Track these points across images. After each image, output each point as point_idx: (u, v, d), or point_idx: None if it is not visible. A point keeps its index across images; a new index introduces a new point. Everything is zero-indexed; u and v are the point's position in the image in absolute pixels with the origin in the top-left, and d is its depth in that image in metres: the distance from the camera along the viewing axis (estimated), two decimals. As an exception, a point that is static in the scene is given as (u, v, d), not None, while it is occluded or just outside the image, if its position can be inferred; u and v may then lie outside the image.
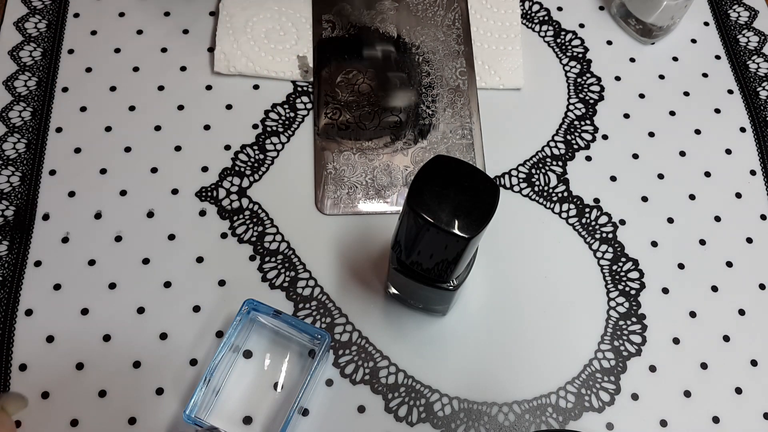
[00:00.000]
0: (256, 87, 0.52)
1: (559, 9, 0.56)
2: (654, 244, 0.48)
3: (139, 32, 0.53)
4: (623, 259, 0.48)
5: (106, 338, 0.44)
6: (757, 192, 0.50)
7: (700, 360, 0.45)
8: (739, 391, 0.44)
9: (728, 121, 0.53)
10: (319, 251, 0.47)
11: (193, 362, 0.43)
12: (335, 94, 0.51)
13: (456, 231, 0.33)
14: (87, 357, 0.43)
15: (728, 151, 0.52)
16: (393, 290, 0.44)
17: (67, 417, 0.42)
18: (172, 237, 0.47)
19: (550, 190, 0.49)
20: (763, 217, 0.50)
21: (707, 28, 0.56)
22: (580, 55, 0.54)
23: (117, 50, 0.53)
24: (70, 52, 0.52)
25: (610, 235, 0.48)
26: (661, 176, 0.50)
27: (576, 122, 0.52)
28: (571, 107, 0.52)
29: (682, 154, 0.51)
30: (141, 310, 0.44)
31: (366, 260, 0.46)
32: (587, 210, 0.49)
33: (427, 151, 0.50)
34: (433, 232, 0.34)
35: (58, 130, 0.50)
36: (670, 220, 0.49)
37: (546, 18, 0.56)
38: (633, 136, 0.52)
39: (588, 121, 0.52)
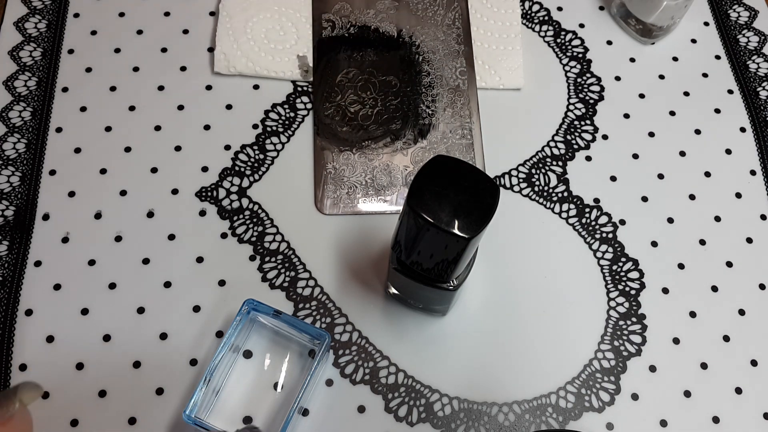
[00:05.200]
0: (256, 87, 0.52)
1: (559, 9, 0.56)
2: (654, 244, 0.48)
3: (139, 32, 0.53)
4: (623, 259, 0.48)
5: (106, 338, 0.44)
6: (757, 192, 0.50)
7: (700, 360, 0.45)
8: (739, 391, 0.44)
9: (728, 121, 0.53)
10: (319, 251, 0.47)
11: (193, 362, 0.43)
12: (335, 93, 0.51)
13: (456, 231, 0.33)
14: (87, 357, 0.43)
15: (728, 151, 0.52)
16: (393, 290, 0.44)
17: (67, 417, 0.42)
18: (172, 237, 0.47)
19: (550, 190, 0.49)
20: (763, 217, 0.50)
21: (707, 28, 0.56)
22: (580, 55, 0.54)
23: (117, 50, 0.53)
24: (70, 52, 0.52)
25: (610, 235, 0.48)
26: (661, 176, 0.50)
27: (576, 122, 0.52)
28: (571, 107, 0.52)
29: (682, 154, 0.51)
30: (141, 310, 0.45)
31: (366, 260, 0.46)
32: (587, 210, 0.49)
33: (427, 151, 0.50)
34: (433, 232, 0.34)
35: (58, 130, 0.50)
36: (670, 220, 0.49)
37: (546, 18, 0.56)
38: (633, 136, 0.52)
39: (588, 121, 0.52)
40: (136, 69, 0.52)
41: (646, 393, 0.44)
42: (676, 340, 0.45)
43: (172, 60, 0.52)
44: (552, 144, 0.51)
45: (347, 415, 0.43)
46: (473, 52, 0.53)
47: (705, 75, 0.54)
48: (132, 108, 0.51)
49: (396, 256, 0.39)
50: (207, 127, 0.50)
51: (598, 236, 0.48)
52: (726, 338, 0.46)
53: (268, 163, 0.49)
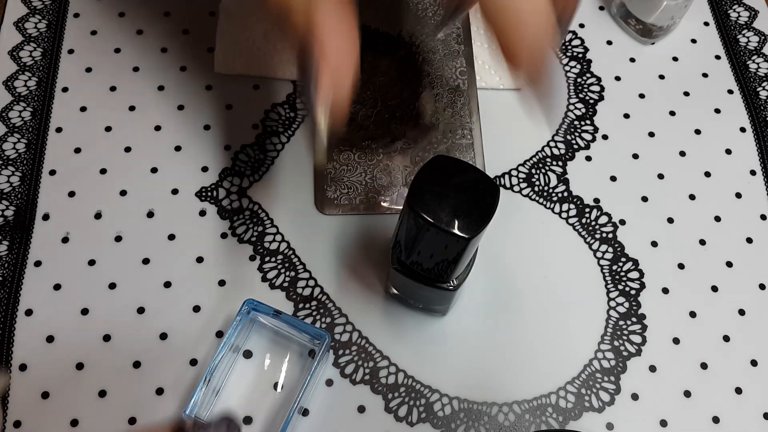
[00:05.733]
0: (256, 87, 0.52)
1: (559, 9, 0.56)
2: (654, 244, 0.48)
3: (139, 32, 0.53)
4: (623, 259, 0.48)
5: (106, 338, 0.44)
6: (757, 192, 0.50)
7: (700, 360, 0.45)
8: (739, 391, 0.44)
9: (728, 121, 0.53)
10: (319, 251, 0.47)
11: (193, 362, 0.43)
12: (335, 94, 0.51)
13: (456, 231, 0.33)
14: (87, 357, 0.43)
15: (728, 151, 0.52)
16: (393, 290, 0.44)
17: (67, 417, 0.42)
18: (172, 237, 0.47)
19: (550, 190, 0.49)
20: (763, 217, 0.50)
21: (707, 28, 0.56)
22: (580, 55, 0.54)
23: (117, 50, 0.53)
24: (70, 52, 0.52)
25: (610, 235, 0.48)
26: (661, 176, 0.50)
27: (576, 122, 0.52)
28: (571, 107, 0.52)
29: (682, 154, 0.51)
30: (141, 310, 0.45)
31: (366, 260, 0.46)
32: (587, 210, 0.49)
33: (427, 151, 0.50)
34: (433, 232, 0.34)
35: (58, 130, 0.50)
36: (670, 220, 0.49)
37: (546, 18, 0.56)
38: (633, 136, 0.52)
39: (588, 121, 0.52)
40: (136, 69, 0.52)
41: (646, 393, 0.44)
42: (676, 340, 0.45)
43: (172, 60, 0.52)
44: (552, 144, 0.51)
45: (347, 415, 0.43)
46: (473, 52, 0.53)
47: (705, 75, 0.54)
48: (132, 108, 0.51)
49: (396, 256, 0.39)
50: (207, 127, 0.50)
51: (598, 236, 0.48)
52: (726, 338, 0.46)
53: (268, 163, 0.49)
